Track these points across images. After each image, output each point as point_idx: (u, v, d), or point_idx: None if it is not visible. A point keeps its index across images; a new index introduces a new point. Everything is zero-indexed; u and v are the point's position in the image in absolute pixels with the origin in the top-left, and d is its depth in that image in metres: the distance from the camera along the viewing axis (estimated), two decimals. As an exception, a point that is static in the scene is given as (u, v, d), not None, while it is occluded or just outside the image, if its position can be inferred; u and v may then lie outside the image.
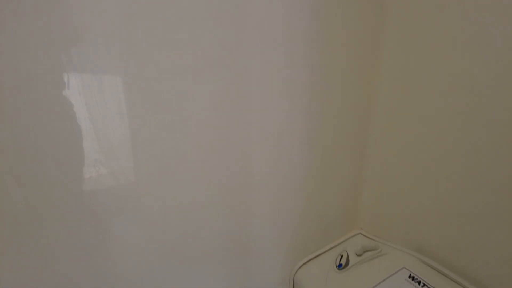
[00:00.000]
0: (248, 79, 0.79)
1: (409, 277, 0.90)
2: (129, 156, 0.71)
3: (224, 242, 0.90)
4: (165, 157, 0.75)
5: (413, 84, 0.89)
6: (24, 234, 0.66)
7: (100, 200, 0.71)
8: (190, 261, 0.87)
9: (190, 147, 0.76)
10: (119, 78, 0.66)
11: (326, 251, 1.10)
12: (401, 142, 0.96)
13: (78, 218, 0.70)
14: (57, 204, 0.67)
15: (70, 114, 0.63)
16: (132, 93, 0.68)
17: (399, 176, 1.00)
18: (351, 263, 1.00)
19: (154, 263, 0.81)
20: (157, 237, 0.80)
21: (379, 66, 0.98)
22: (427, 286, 0.86)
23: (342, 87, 0.94)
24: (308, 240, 1.07)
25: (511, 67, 0.69)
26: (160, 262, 0.82)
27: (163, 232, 0.80)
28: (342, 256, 1.04)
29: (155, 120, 0.71)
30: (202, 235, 0.86)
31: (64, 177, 0.67)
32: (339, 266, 1.01)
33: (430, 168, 0.90)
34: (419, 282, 0.87)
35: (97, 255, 0.74)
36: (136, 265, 0.79)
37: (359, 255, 1.02)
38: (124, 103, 0.67)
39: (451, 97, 0.81)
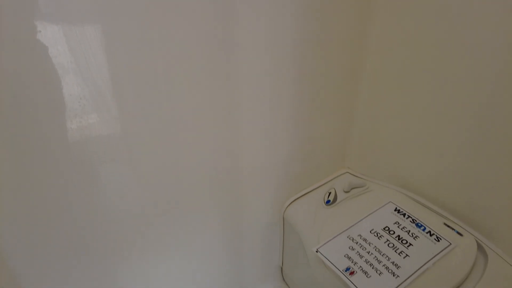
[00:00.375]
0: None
1: (395, 210, 0.94)
2: (118, 103, 0.68)
3: (214, 182, 0.90)
4: (156, 104, 0.72)
5: (408, 17, 0.86)
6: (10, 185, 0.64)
7: (88, 149, 0.69)
8: (181, 202, 0.87)
9: (181, 88, 0.73)
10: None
11: (314, 189, 1.13)
12: (388, 85, 0.95)
13: (65, 166, 0.67)
14: (45, 154, 0.64)
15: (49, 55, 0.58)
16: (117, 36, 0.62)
17: (385, 117, 1.00)
18: (339, 199, 1.04)
19: (145, 206, 0.82)
20: (148, 181, 0.79)
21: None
22: (411, 217, 0.91)
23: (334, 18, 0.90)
24: (297, 179, 1.09)
25: None
26: (151, 205, 0.82)
27: (153, 176, 0.79)
28: (330, 193, 1.07)
29: (145, 67, 0.67)
30: (192, 176, 0.85)
31: (48, 127, 0.63)
32: (327, 202, 1.04)
33: (414, 108, 0.90)
34: (404, 215, 0.92)
35: (87, 199, 0.73)
36: (126, 207, 0.79)
37: (346, 192, 1.06)
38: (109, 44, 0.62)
39: (442, 32, 0.78)
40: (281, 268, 1.24)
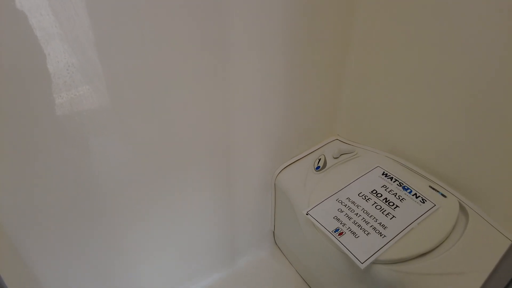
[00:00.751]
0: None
1: (383, 174, 0.97)
2: (108, 70, 0.67)
3: (207, 150, 0.91)
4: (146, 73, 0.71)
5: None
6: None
7: (80, 118, 0.68)
8: (174, 170, 0.88)
9: (173, 53, 0.71)
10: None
11: (305, 156, 1.15)
12: (376, 52, 0.95)
13: (57, 137, 0.68)
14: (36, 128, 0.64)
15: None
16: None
17: (373, 85, 1.01)
18: (328, 165, 1.06)
19: (138, 174, 0.82)
20: (141, 149, 0.80)
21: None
22: (398, 181, 0.94)
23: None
24: (287, 147, 1.11)
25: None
26: (144, 173, 0.83)
27: (147, 144, 0.79)
28: (320, 160, 1.09)
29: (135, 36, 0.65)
30: (185, 143, 0.86)
31: (36, 96, 0.62)
32: (317, 168, 1.07)
33: (402, 75, 0.91)
34: (391, 178, 0.95)
35: (79, 167, 0.74)
36: (121, 175, 0.80)
37: (336, 158, 1.08)
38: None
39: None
40: (273, 232, 1.28)
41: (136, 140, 0.78)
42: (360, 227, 0.84)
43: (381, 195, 0.90)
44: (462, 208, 0.88)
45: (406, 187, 0.91)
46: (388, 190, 0.92)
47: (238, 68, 0.83)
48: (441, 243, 0.81)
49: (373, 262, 0.78)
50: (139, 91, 0.72)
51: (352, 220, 0.86)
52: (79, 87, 0.66)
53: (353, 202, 0.90)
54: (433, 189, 0.91)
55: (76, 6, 0.59)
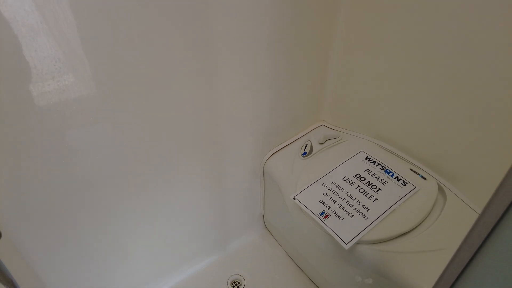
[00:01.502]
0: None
1: (366, 158, 1.00)
2: (94, 62, 0.68)
3: (197, 138, 0.93)
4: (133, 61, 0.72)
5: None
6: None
7: (67, 111, 0.69)
8: (165, 159, 0.90)
9: (160, 43, 0.72)
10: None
11: (292, 142, 1.18)
12: (360, 40, 0.97)
13: (44, 131, 0.69)
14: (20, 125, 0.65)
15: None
16: None
17: (358, 72, 1.03)
18: (314, 150, 1.09)
19: (129, 164, 0.84)
20: (131, 140, 0.81)
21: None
22: (380, 164, 0.98)
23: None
24: (275, 134, 1.14)
25: None
26: (135, 163, 0.85)
27: (136, 134, 0.81)
28: (306, 145, 1.12)
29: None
30: (175, 131, 0.88)
31: (24, 92, 0.63)
32: (304, 154, 1.10)
33: (385, 63, 0.94)
34: (374, 162, 0.99)
35: (69, 164, 0.75)
36: (112, 167, 0.82)
37: (321, 143, 1.11)
38: None
39: None
40: (263, 216, 1.32)
41: (127, 131, 0.79)
42: (344, 210, 0.88)
43: (365, 179, 0.94)
44: (440, 189, 0.92)
45: (388, 171, 0.95)
46: (371, 173, 0.96)
47: (226, 58, 0.84)
48: (421, 222, 0.86)
49: (357, 243, 0.82)
50: (127, 81, 0.73)
51: (337, 204, 0.90)
52: (66, 79, 0.67)
53: (337, 186, 0.94)
54: (414, 172, 0.95)
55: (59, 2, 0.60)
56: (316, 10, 0.93)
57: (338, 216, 0.87)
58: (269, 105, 1.03)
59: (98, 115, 0.74)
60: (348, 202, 0.89)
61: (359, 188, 0.92)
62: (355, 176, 0.96)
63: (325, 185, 0.95)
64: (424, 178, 0.93)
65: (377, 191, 0.91)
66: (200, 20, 0.75)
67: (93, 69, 0.68)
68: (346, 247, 0.81)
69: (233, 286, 1.19)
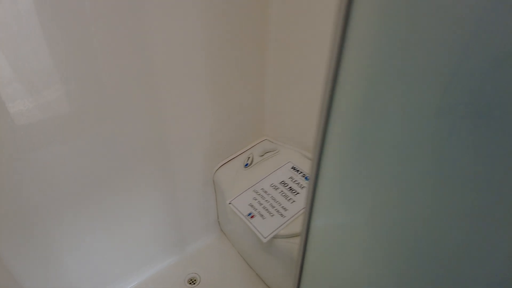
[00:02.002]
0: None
1: (292, 168, 1.19)
2: (51, 82, 0.81)
3: (149, 153, 1.11)
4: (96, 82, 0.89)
5: None
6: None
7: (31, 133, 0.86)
8: (123, 171, 1.08)
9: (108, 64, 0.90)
10: None
11: (239, 155, 1.37)
12: (289, 64, 1.16)
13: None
14: None
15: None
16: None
17: (289, 89, 1.22)
18: (254, 162, 1.28)
19: (86, 179, 1.02)
20: (87, 157, 0.99)
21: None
22: (302, 173, 1.16)
23: None
24: (223, 148, 1.32)
25: None
26: (91, 178, 1.03)
27: (91, 151, 0.99)
28: (249, 158, 1.31)
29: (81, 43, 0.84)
30: (129, 149, 1.06)
31: None
32: (246, 165, 1.29)
33: (310, 81, 1.13)
34: (298, 171, 1.17)
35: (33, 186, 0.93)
36: (68, 182, 1.00)
37: (261, 156, 1.30)
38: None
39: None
40: (218, 221, 1.50)
41: (82, 146, 0.97)
42: (267, 211, 1.06)
43: (287, 185, 1.13)
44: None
45: (307, 178, 1.14)
46: (293, 180, 1.14)
47: (169, 90, 1.03)
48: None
49: (274, 237, 1.00)
50: (81, 100, 0.90)
51: (262, 206, 1.08)
52: (24, 101, 0.84)
53: (265, 191, 1.12)
54: (331, 177, 1.14)
55: (16, 14, 0.78)
56: (248, 24, 1.10)
57: (262, 216, 1.05)
58: (216, 123, 1.22)
59: (57, 134, 0.91)
60: (271, 204, 1.08)
61: (282, 192, 1.11)
62: (280, 183, 1.14)
63: (255, 191, 1.14)
64: (337, 183, 1.12)
65: (295, 194, 1.09)
66: (141, 56, 0.94)
67: (51, 90, 0.85)
68: (264, 241, 0.99)
69: (190, 284, 1.36)
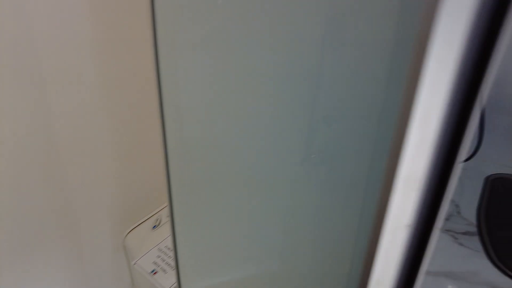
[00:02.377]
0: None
1: (193, 224, 1.34)
2: None
3: (52, 224, 1.18)
4: None
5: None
6: None
7: None
8: (25, 245, 1.13)
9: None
10: None
11: (148, 219, 1.48)
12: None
13: None
14: None
15: None
16: None
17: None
18: (161, 223, 1.40)
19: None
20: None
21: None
22: (202, 227, 1.31)
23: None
24: (132, 213, 1.43)
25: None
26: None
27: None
28: (157, 220, 1.43)
29: None
30: (32, 219, 1.12)
31: None
32: (154, 227, 1.40)
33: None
34: (198, 226, 1.32)
35: None
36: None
37: (168, 217, 1.43)
38: None
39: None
40: (133, 286, 1.55)
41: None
42: (170, 266, 1.17)
43: (188, 240, 1.26)
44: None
45: (207, 231, 1.29)
46: (194, 235, 1.28)
47: (68, 151, 1.15)
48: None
49: (175, 289, 1.11)
50: None
51: (165, 262, 1.19)
52: None
53: (168, 248, 1.24)
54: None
55: None
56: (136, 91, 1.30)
57: (164, 271, 1.16)
58: (121, 192, 1.34)
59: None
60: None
61: (183, 247, 1.24)
62: (182, 238, 1.28)
63: (160, 249, 1.25)
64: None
65: (195, 247, 1.23)
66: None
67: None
68: (166, 293, 1.09)
69: None
